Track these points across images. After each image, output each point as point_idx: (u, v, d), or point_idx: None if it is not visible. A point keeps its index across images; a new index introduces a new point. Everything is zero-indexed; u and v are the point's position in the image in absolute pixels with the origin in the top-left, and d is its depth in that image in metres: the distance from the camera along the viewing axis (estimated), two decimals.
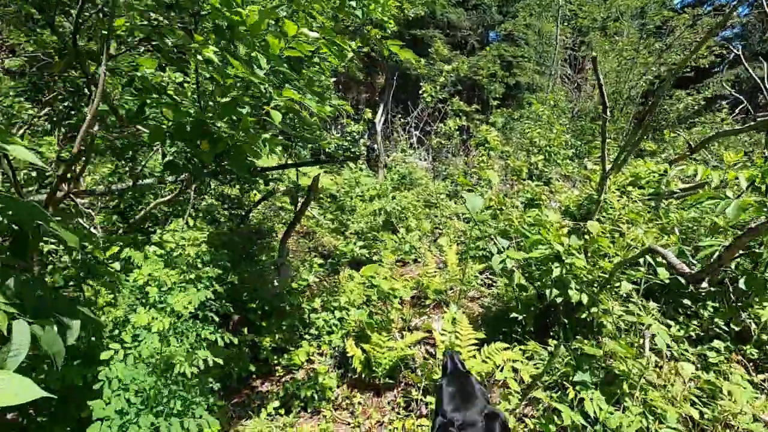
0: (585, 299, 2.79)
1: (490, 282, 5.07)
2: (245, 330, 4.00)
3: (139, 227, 6.19)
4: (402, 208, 6.64)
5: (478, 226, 3.90)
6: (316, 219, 7.85)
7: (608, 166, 3.36)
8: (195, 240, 5.33)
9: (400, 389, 3.46)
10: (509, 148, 5.89)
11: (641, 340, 2.65)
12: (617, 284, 2.95)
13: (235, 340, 3.17)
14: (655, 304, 2.84)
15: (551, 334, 3.14)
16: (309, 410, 3.40)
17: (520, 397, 2.73)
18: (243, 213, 6.79)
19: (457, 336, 3.26)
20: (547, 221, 3.02)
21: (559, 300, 2.87)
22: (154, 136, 1.93)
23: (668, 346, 2.37)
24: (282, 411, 3.36)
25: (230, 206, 6.80)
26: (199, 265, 4.68)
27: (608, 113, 3.33)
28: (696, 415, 2.27)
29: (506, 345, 3.17)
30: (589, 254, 3.14)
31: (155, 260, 5.24)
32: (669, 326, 2.83)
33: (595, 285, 2.99)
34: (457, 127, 8.95)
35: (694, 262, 2.78)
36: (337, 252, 4.99)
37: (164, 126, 2.01)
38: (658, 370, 2.58)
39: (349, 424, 3.26)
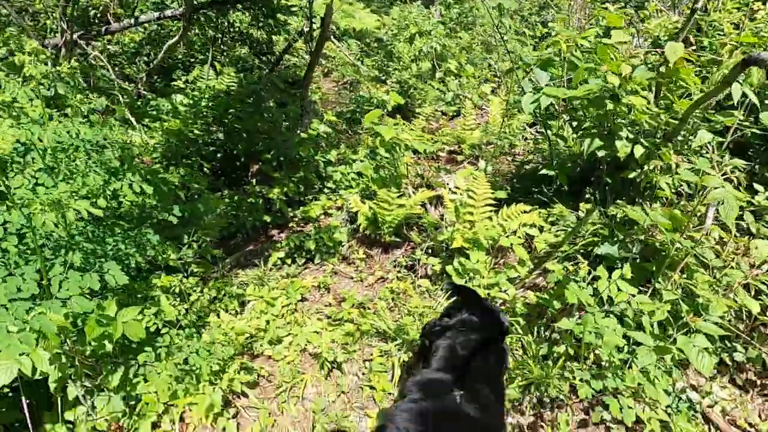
0: (639, 152, 2.05)
1: (539, 138, 4.25)
2: (253, 181, 3.80)
3: (168, 75, 5.92)
4: (445, 47, 5.56)
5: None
6: (356, 66, 7.00)
7: None
8: (215, 89, 4.98)
9: (408, 248, 3.17)
10: None
11: (705, 210, 1.94)
12: (692, 135, 2.12)
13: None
14: (743, 163, 2.01)
15: (588, 197, 2.50)
16: (315, 263, 3.29)
17: (530, 267, 2.28)
18: (274, 60, 6.16)
19: (471, 195, 2.74)
20: (610, 47, 2.08)
21: (601, 153, 2.15)
22: None
23: (742, 219, 1.67)
24: (288, 261, 3.28)
25: (259, 51, 6.18)
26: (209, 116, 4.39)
27: None
28: (755, 308, 1.69)
29: (529, 207, 2.62)
30: (660, 93, 2.24)
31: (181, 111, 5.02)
32: (755, 193, 2.05)
33: (659, 135, 2.18)
34: None
35: None
36: (366, 100, 4.34)
37: None
38: (718, 248, 1.93)
39: (351, 278, 3.11)
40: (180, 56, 5.53)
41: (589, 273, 1.83)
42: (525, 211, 2.60)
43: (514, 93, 6.29)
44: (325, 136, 3.66)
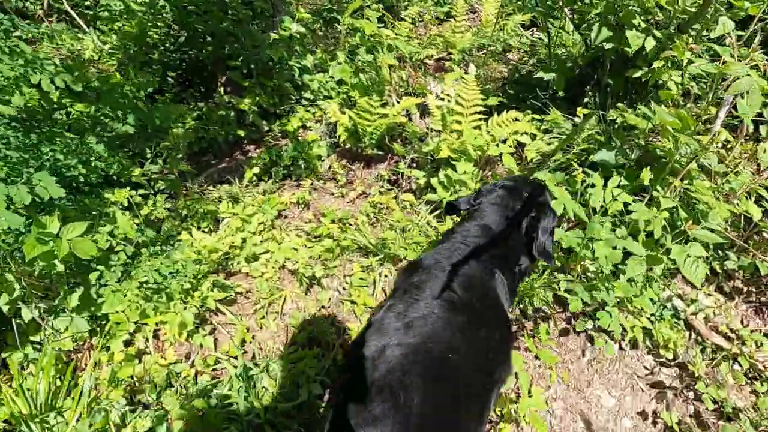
0: (650, 45, 1.78)
1: (535, 41, 3.85)
2: (221, 90, 3.43)
3: None
4: None
5: None
6: None
7: None
8: None
9: (391, 162, 2.96)
10: None
11: (717, 111, 1.74)
12: (710, 24, 1.83)
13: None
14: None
15: (586, 101, 2.26)
16: (293, 179, 3.08)
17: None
18: None
19: (459, 102, 2.47)
20: None
21: (608, 46, 1.88)
22: None
23: (761, 116, 1.48)
24: (265, 178, 3.07)
25: None
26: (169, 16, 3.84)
27: None
28: (757, 214, 1.57)
29: (521, 115, 2.38)
30: None
31: None
32: None
33: (672, 27, 1.89)
34: None
35: None
36: None
37: None
38: (724, 152, 1.77)
39: (332, 194, 2.93)
40: None
41: (583, 182, 1.67)
42: (516, 119, 2.37)
43: None
44: (298, 37, 3.22)
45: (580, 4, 2.19)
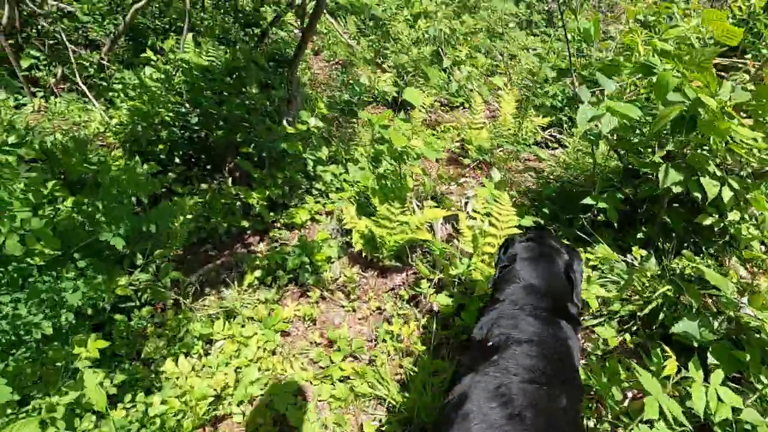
0: (727, 195, 1.54)
1: (556, 143, 3.72)
2: (230, 180, 3.17)
3: (138, 43, 5.09)
4: (452, 32, 4.91)
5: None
6: (351, 47, 6.28)
7: None
8: (191, 64, 4.24)
9: (409, 274, 2.64)
10: None
11: None
12: None
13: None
14: None
15: (640, 236, 1.99)
16: (299, 283, 2.73)
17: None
18: (260, 32, 5.39)
19: (493, 222, 2.20)
20: (698, 53, 1.53)
21: (677, 189, 1.64)
22: None
23: None
24: (268, 280, 2.72)
25: (245, 23, 5.38)
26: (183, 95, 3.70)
27: None
28: None
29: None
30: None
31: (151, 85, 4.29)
32: None
33: (749, 175, 1.68)
34: None
35: None
36: (358, 89, 3.68)
37: None
38: None
39: (342, 306, 2.58)
40: (152, 22, 4.72)
41: (679, 370, 1.34)
42: None
43: (518, 83, 5.72)
44: (316, 131, 3.04)
45: (626, 131, 2.00)
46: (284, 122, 3.34)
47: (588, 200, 1.98)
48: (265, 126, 3.47)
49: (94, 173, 2.44)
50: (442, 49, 4.97)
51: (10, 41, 4.20)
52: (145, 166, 3.09)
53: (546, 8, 7.94)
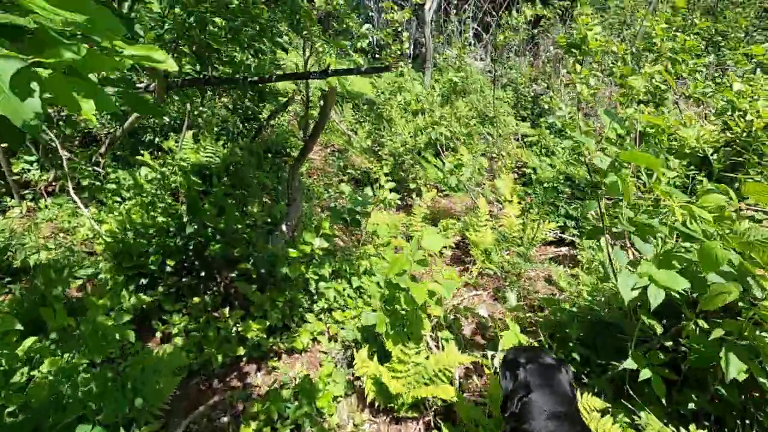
0: None
1: (566, 249, 3.59)
2: (226, 310, 2.92)
3: (137, 141, 5.03)
4: (451, 135, 4.97)
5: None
6: (347, 135, 6.36)
7: None
8: (189, 163, 4.14)
9: (424, 420, 2.34)
10: (615, 49, 3.88)
11: None
12: None
13: None
14: None
15: (692, 406, 1.77)
16: None
17: None
18: (257, 126, 5.40)
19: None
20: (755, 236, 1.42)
21: (742, 377, 1.45)
22: None
23: None
24: (266, 430, 2.39)
25: (244, 117, 5.41)
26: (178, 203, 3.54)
27: None
28: None
29: (605, 404, 1.87)
30: None
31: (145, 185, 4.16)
32: None
33: None
34: (529, 19, 6.60)
35: None
36: (366, 199, 3.55)
37: None
38: None
39: None
40: (151, 121, 4.68)
41: None
42: (599, 411, 1.85)
43: (516, 173, 5.75)
44: (320, 252, 2.86)
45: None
46: (283, 240, 3.16)
47: (629, 363, 1.77)
48: (265, 240, 3.30)
49: (74, 326, 2.17)
50: (441, 150, 5.00)
51: (3, 144, 4.07)
52: (133, 299, 2.85)
53: (531, 93, 8.29)
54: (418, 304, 1.92)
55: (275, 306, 2.90)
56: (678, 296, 1.55)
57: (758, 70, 4.27)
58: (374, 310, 2.67)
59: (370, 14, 11.69)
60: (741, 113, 3.39)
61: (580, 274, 2.69)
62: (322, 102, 3.16)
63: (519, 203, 3.91)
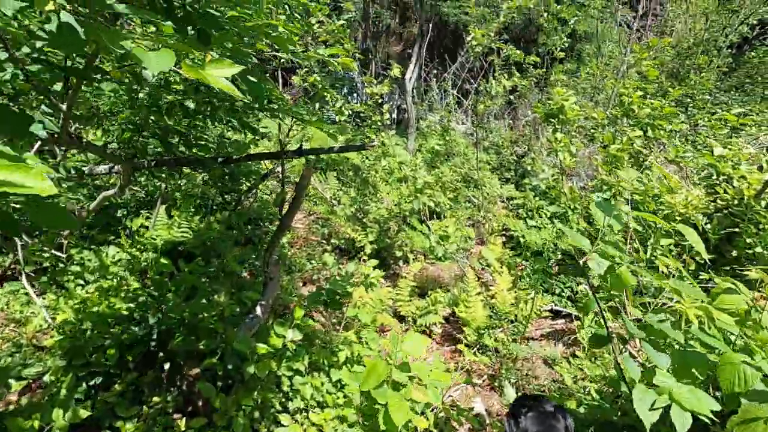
0: None
1: (563, 322, 3.32)
2: (181, 424, 2.53)
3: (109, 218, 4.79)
4: (436, 205, 4.86)
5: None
6: (330, 203, 6.22)
7: None
8: (159, 244, 3.87)
9: None
10: (595, 115, 3.89)
11: None
12: None
13: None
14: None
15: None
16: None
17: None
18: (237, 198, 5.23)
19: None
20: None
21: None
22: None
23: None
24: None
25: (222, 191, 5.24)
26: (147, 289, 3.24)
27: None
28: None
29: None
30: None
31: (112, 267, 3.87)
32: None
33: None
34: (509, 88, 6.78)
35: None
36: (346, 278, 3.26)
37: None
38: None
39: None
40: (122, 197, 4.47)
41: None
42: None
43: (504, 236, 5.59)
44: (294, 346, 2.54)
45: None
46: (258, 325, 2.85)
47: None
48: (239, 326, 2.97)
49: None
50: (426, 222, 4.85)
51: None
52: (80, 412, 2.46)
53: (513, 155, 8.41)
54: (397, 427, 1.60)
55: (244, 410, 2.51)
56: (707, 419, 1.28)
57: (732, 135, 4.31)
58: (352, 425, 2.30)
59: (355, 83, 12.18)
60: (725, 177, 3.32)
61: (584, 366, 2.39)
62: (299, 180, 3.01)
63: (509, 272, 3.68)
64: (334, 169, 7.23)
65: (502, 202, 6.77)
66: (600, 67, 9.14)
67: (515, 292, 3.46)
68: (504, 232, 6.06)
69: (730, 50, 10.02)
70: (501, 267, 3.71)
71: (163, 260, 3.54)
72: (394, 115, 12.86)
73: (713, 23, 10.12)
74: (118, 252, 4.09)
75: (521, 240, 4.15)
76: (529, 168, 7.94)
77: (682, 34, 11.60)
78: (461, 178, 7.16)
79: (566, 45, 7.11)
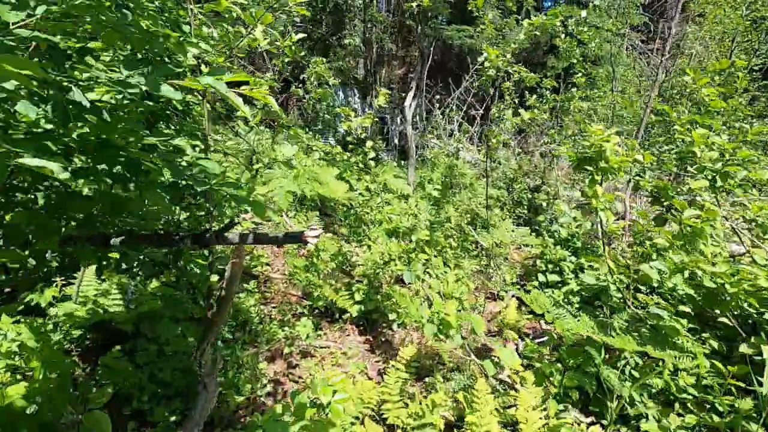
0: None
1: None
2: None
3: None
4: (427, 262, 3.83)
5: None
6: (311, 255, 5.17)
7: None
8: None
9: None
10: (639, 158, 2.87)
11: None
12: None
13: None
14: None
15: None
16: None
17: None
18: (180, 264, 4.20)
19: None
20: None
21: None
22: None
23: None
24: None
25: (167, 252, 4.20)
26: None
27: None
28: None
29: None
30: None
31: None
32: None
33: None
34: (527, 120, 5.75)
35: None
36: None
37: None
38: None
39: None
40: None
41: None
42: None
43: (520, 287, 4.50)
44: None
45: None
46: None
47: None
48: None
49: None
50: (420, 282, 3.82)
51: None
52: None
53: (527, 191, 7.37)
54: None
55: None
56: None
57: None
58: None
59: (355, 106, 11.32)
60: None
61: None
62: (229, 266, 2.02)
63: (535, 381, 2.60)
64: (316, 208, 6.27)
65: (517, 249, 5.72)
66: (616, 93, 8.16)
67: (544, 412, 2.38)
68: (520, 287, 4.98)
69: (758, 73, 9.04)
70: (522, 369, 2.63)
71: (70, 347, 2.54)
72: (396, 141, 11.98)
73: (738, 45, 9.18)
74: (23, 330, 3.09)
75: (550, 331, 3.09)
76: (543, 204, 6.91)
77: (703, 57, 10.67)
78: (469, 218, 6.14)
79: (585, 69, 6.15)
